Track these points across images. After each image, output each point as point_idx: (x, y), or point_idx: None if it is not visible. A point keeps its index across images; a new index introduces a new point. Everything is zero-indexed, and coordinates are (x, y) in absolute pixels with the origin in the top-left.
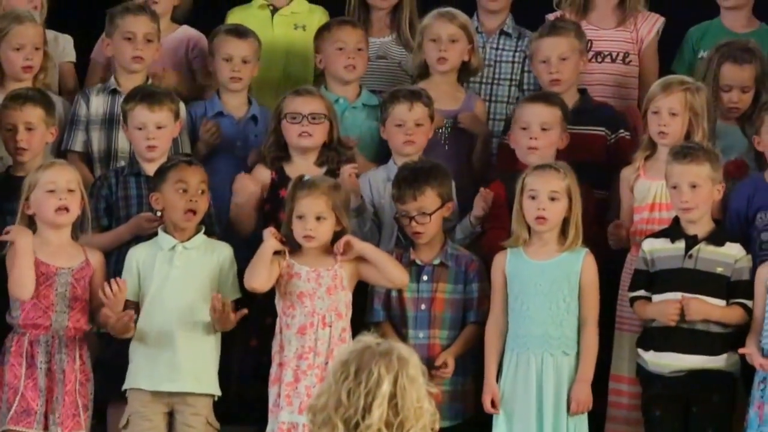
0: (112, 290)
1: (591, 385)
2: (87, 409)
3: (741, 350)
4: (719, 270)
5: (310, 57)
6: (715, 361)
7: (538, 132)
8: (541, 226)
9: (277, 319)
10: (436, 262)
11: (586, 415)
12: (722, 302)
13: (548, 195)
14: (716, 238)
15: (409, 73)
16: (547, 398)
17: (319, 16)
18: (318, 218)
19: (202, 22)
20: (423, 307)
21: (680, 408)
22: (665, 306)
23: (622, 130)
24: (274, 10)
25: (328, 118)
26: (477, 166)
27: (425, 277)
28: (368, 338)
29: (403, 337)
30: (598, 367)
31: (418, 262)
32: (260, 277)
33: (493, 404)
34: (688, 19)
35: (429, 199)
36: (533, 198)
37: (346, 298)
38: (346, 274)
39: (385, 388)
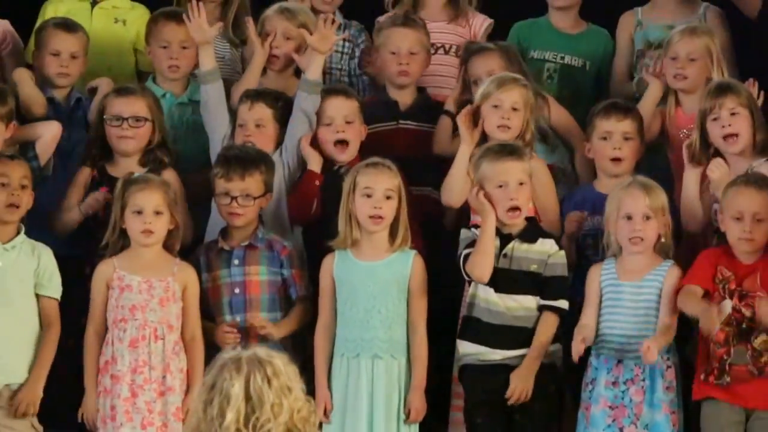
0: None
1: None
2: None
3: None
4: (533, 268)
5: (129, 52)
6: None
7: (343, 125)
8: (376, 226)
9: (108, 331)
10: (245, 243)
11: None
12: (535, 299)
13: (384, 193)
14: (529, 235)
15: (237, 68)
16: (378, 404)
17: (140, 12)
18: (156, 212)
19: (14, 14)
20: (237, 291)
21: (502, 415)
22: None
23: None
24: (94, 2)
25: (150, 120)
26: None
27: (236, 261)
28: (227, 354)
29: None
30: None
31: (227, 248)
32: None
33: (325, 412)
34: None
35: (256, 183)
36: (369, 196)
37: (177, 310)
38: (179, 287)
39: (236, 389)
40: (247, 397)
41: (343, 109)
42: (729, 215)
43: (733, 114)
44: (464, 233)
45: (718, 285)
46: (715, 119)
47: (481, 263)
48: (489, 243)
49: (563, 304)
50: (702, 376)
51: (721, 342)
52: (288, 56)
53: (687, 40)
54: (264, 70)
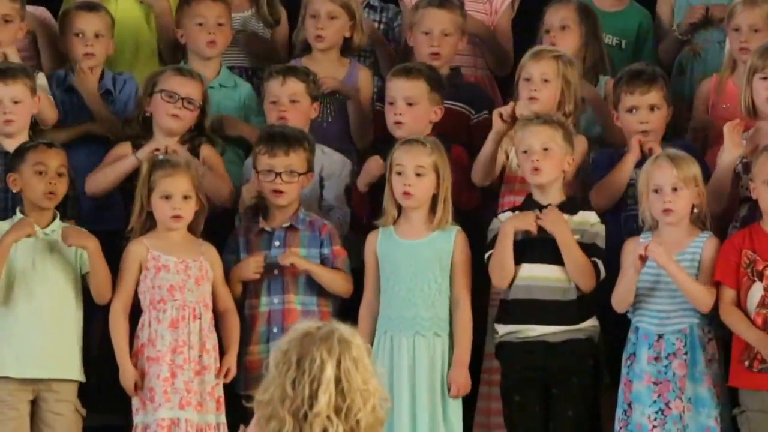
0: None
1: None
2: None
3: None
4: (576, 238)
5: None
6: (572, 333)
7: (404, 107)
8: (407, 200)
9: (145, 312)
10: (286, 224)
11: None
12: None
13: (414, 170)
14: (569, 207)
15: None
16: (421, 381)
17: None
18: (185, 197)
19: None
20: (276, 272)
21: (540, 391)
22: (522, 215)
23: (486, 111)
24: None
25: (201, 106)
26: (355, 137)
27: (277, 243)
28: (306, 324)
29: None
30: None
31: (268, 229)
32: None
33: None
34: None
35: (300, 159)
36: (400, 173)
37: (210, 288)
38: (210, 265)
39: (329, 372)
40: (337, 381)
41: (404, 90)
42: (760, 180)
43: None
44: (494, 223)
45: (745, 270)
46: (764, 78)
47: (499, 272)
48: (505, 252)
49: (600, 265)
50: (746, 363)
51: (760, 326)
52: (334, 36)
53: (749, 11)
54: (309, 50)
